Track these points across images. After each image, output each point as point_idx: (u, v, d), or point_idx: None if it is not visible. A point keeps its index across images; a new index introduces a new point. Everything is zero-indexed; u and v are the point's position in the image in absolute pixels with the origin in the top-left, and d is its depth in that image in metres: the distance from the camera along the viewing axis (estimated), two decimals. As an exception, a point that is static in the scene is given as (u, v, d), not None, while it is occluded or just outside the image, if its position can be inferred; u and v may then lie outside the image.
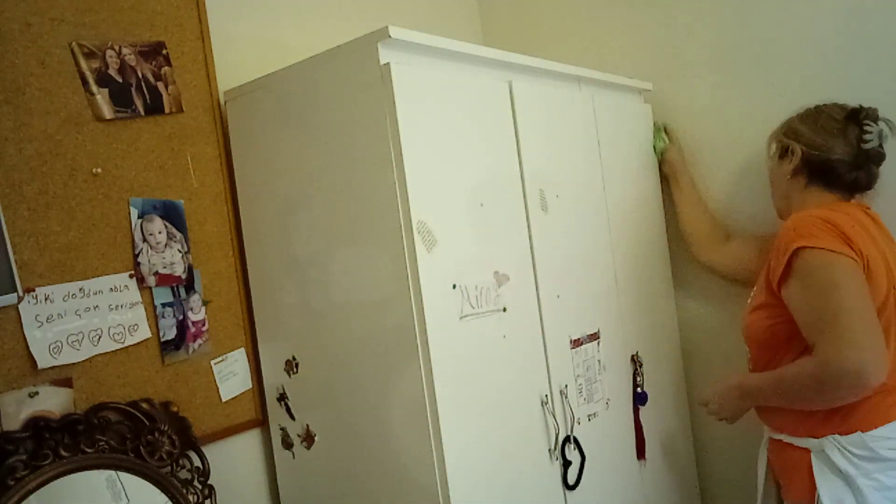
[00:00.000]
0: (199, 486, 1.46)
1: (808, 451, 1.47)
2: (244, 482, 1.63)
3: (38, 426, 1.26)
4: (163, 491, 1.38)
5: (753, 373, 1.59)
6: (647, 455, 1.87)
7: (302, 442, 1.56)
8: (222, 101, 1.62)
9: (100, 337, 1.38)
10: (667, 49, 2.10)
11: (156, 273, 1.47)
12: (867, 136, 1.54)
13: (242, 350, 1.62)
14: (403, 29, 1.31)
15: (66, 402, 1.33)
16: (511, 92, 1.55)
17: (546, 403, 1.55)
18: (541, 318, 1.57)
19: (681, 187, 2.03)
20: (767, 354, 1.54)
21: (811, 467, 1.45)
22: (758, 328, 1.54)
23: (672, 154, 2.05)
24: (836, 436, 1.43)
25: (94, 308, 1.37)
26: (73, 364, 1.34)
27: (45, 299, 1.31)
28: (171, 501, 1.39)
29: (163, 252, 1.48)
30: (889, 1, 1.74)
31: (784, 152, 1.63)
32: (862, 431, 1.41)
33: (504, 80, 1.55)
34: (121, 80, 1.45)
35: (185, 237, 1.53)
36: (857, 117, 1.56)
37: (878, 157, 1.57)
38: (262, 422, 1.64)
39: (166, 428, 1.41)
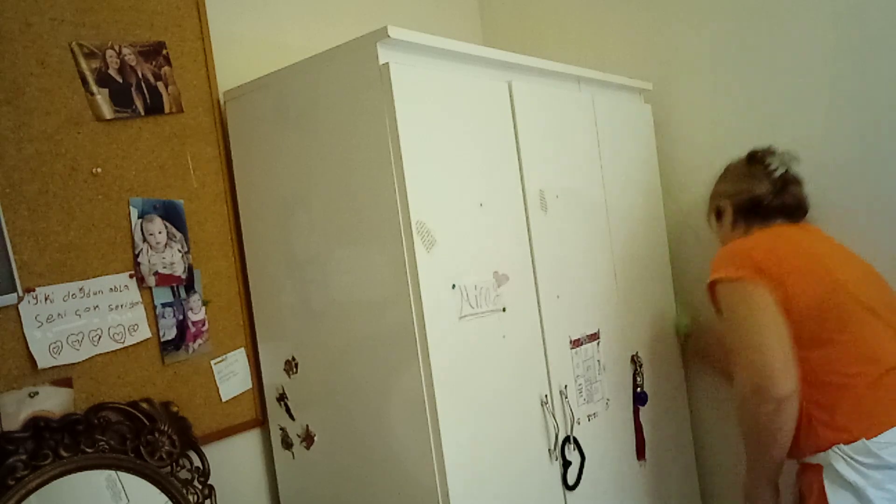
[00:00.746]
0: (199, 486, 1.46)
1: (820, 467, 1.46)
2: (244, 482, 1.63)
3: (38, 426, 1.26)
4: (163, 491, 1.39)
5: None
6: (647, 455, 1.87)
7: (302, 442, 1.57)
8: (222, 101, 1.62)
9: (100, 337, 1.38)
10: (667, 49, 2.10)
11: (156, 273, 1.47)
12: (772, 166, 1.69)
13: (242, 350, 1.62)
14: (402, 29, 1.31)
15: (66, 402, 1.33)
16: (511, 92, 1.55)
17: (546, 403, 1.55)
18: (540, 319, 1.57)
19: (719, 360, 2.00)
20: None
21: (823, 484, 1.44)
22: None
23: (698, 337, 2.07)
24: (841, 445, 1.42)
25: (94, 308, 1.38)
26: (73, 364, 1.34)
27: (45, 299, 1.31)
28: (171, 501, 1.39)
29: (163, 252, 1.48)
30: (888, 1, 1.74)
31: (718, 214, 1.77)
32: (866, 438, 1.40)
33: (504, 80, 1.55)
34: (121, 80, 1.45)
35: (185, 237, 1.53)
36: (756, 157, 1.72)
37: (793, 179, 1.70)
38: (261, 422, 1.65)
39: (166, 428, 1.41)
